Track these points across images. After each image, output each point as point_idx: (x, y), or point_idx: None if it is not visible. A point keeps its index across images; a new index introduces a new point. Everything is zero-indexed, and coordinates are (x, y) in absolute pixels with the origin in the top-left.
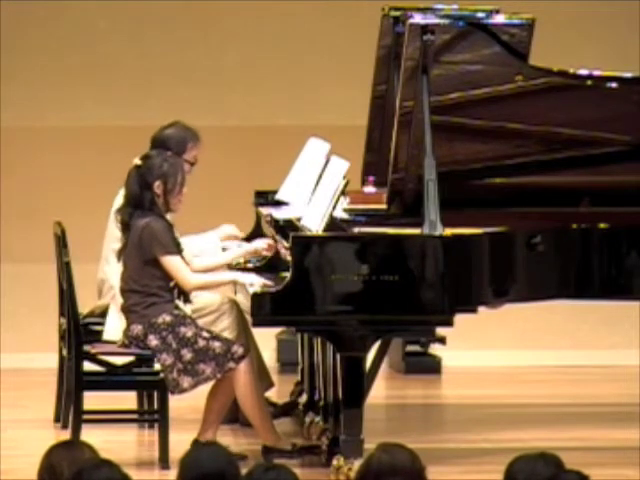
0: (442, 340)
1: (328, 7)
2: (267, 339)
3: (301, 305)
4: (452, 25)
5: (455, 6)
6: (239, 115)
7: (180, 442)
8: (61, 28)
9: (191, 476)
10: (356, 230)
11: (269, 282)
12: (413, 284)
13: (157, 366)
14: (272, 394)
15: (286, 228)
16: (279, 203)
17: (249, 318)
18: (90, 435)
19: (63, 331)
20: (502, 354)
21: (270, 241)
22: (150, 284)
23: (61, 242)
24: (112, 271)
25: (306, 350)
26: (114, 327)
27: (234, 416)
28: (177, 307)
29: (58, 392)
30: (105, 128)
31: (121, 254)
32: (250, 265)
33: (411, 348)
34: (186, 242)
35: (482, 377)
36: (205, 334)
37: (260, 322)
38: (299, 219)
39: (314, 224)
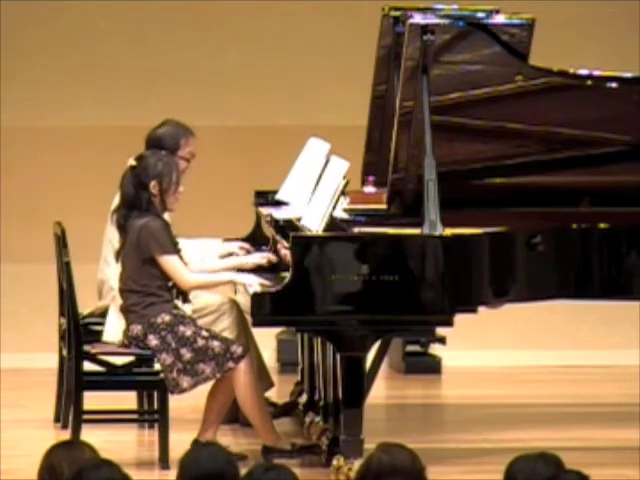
0: (442, 340)
1: (328, 7)
2: (267, 339)
3: (301, 305)
4: (452, 25)
5: (455, 6)
6: (239, 115)
7: (180, 442)
8: (61, 28)
9: (190, 476)
10: (356, 230)
11: (267, 282)
12: (413, 284)
13: (157, 366)
14: (272, 394)
15: (286, 228)
16: (279, 203)
17: (249, 318)
18: (90, 435)
19: (63, 331)
20: (502, 354)
21: (270, 255)
22: (149, 284)
23: (61, 242)
24: (112, 272)
25: (306, 350)
26: (114, 328)
27: (234, 416)
28: (176, 307)
29: (58, 392)
30: (105, 128)
31: (119, 255)
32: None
33: (411, 348)
34: (188, 244)
35: (482, 377)
36: (204, 333)
37: (260, 322)
38: (299, 219)
39: (314, 224)
